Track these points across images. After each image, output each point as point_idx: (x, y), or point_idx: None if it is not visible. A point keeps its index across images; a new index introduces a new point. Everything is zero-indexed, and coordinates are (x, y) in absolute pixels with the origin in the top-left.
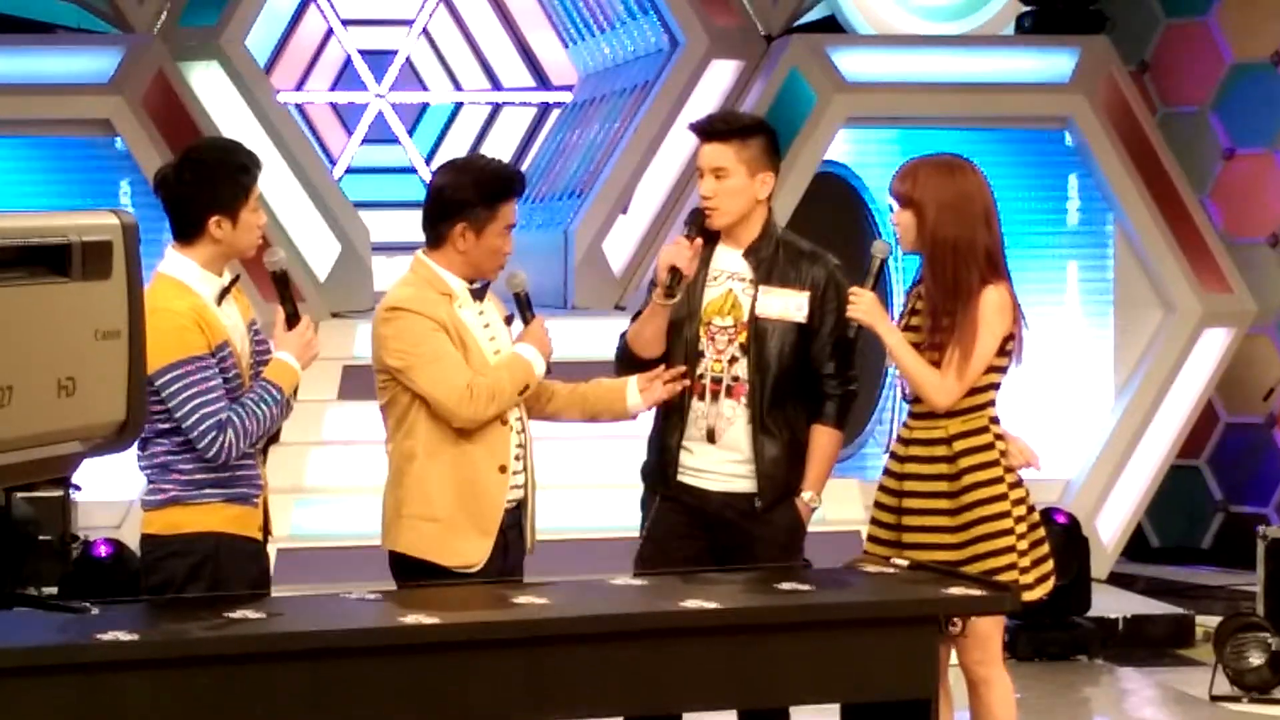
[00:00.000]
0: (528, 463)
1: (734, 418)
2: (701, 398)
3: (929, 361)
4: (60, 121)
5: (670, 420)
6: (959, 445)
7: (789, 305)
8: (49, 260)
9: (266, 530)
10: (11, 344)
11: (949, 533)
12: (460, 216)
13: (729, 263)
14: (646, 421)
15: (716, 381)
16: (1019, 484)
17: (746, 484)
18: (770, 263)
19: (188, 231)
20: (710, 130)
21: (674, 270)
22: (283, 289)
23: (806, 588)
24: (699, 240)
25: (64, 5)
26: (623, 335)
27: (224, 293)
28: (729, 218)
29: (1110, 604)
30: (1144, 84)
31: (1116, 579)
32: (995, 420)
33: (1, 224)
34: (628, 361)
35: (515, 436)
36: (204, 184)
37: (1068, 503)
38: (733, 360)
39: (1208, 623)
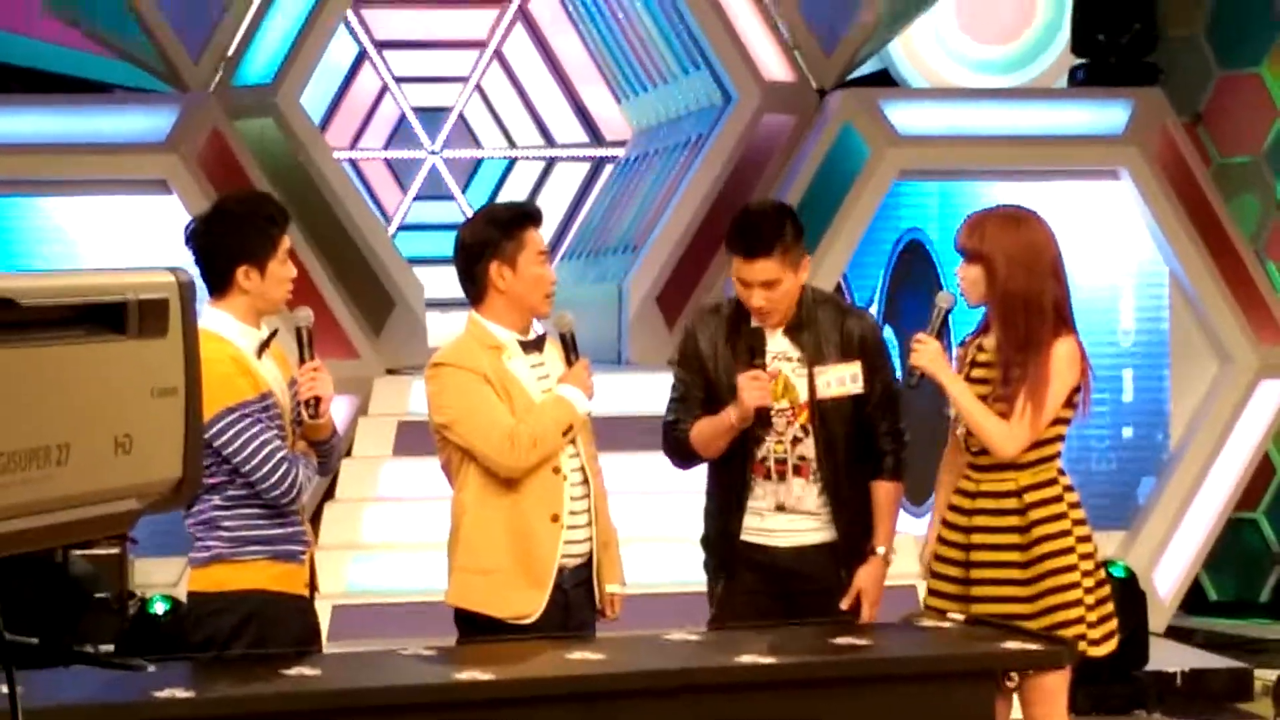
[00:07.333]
0: (593, 517)
1: (804, 495)
2: (767, 478)
3: (997, 414)
4: (117, 181)
5: (729, 504)
6: (1030, 498)
7: (845, 379)
8: (106, 318)
9: (314, 586)
10: (69, 402)
11: (1021, 585)
12: (489, 257)
13: (773, 344)
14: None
15: (781, 463)
16: (1088, 539)
17: (820, 535)
18: (816, 338)
19: (217, 283)
20: (756, 249)
21: (762, 409)
22: (303, 346)
23: (863, 642)
24: (776, 369)
25: (120, 65)
26: (679, 430)
27: (263, 346)
28: (783, 317)
29: (1168, 658)
30: (1197, 135)
31: (1174, 633)
32: (1062, 471)
33: (59, 283)
34: (689, 457)
35: (573, 489)
36: (231, 235)
37: (1125, 556)
38: (795, 441)
39: (1266, 676)
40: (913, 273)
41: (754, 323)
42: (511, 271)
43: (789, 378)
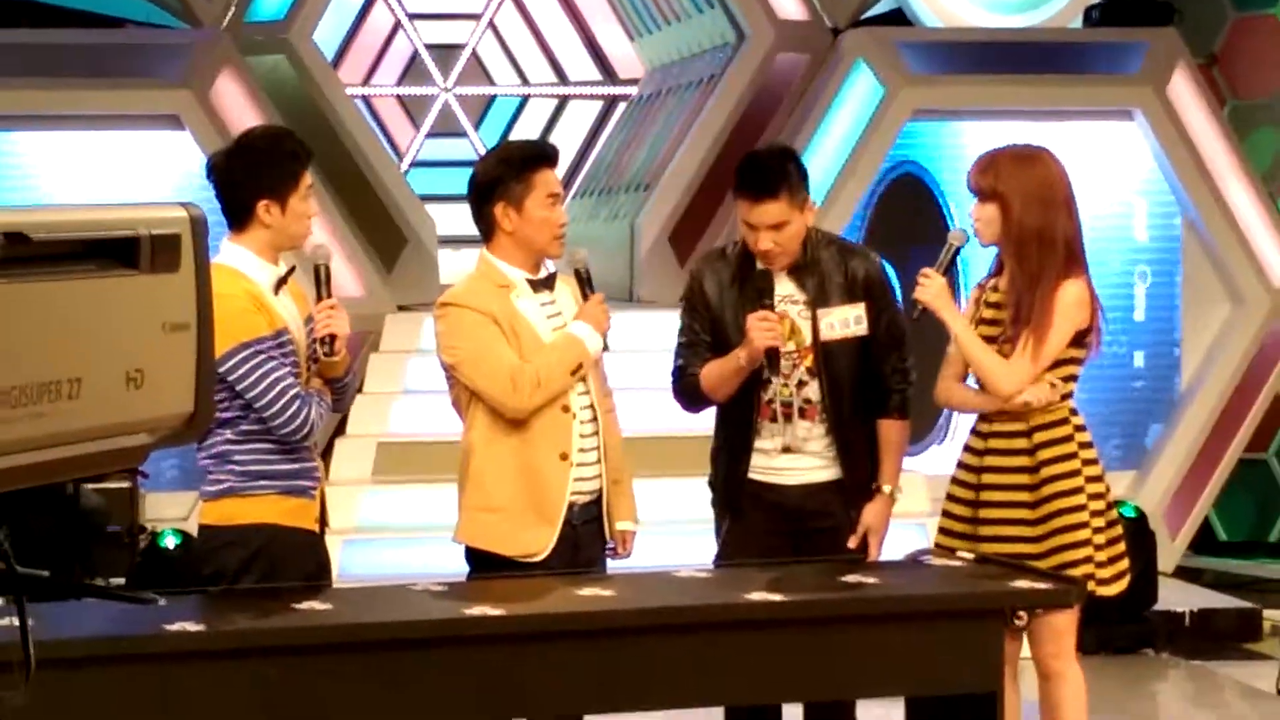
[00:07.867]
0: (602, 455)
1: (810, 436)
2: (774, 420)
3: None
4: (129, 116)
5: (736, 446)
6: (1039, 437)
7: (849, 321)
8: (118, 253)
9: (324, 522)
10: (81, 336)
11: (1028, 525)
12: (497, 196)
13: (778, 287)
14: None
15: (787, 405)
16: (1099, 479)
17: (827, 473)
18: (820, 279)
19: (238, 217)
20: (762, 191)
21: (771, 350)
22: (320, 284)
23: (871, 580)
24: (784, 311)
25: (133, 0)
26: (688, 375)
27: (280, 282)
28: (791, 259)
29: (1177, 598)
30: (1212, 76)
31: (1183, 573)
32: (1074, 411)
33: (71, 217)
34: (700, 401)
35: (582, 427)
36: (253, 169)
37: (1135, 496)
38: (801, 384)
39: (1275, 617)
40: (909, 207)
41: (760, 266)
42: (517, 213)
43: (795, 320)
